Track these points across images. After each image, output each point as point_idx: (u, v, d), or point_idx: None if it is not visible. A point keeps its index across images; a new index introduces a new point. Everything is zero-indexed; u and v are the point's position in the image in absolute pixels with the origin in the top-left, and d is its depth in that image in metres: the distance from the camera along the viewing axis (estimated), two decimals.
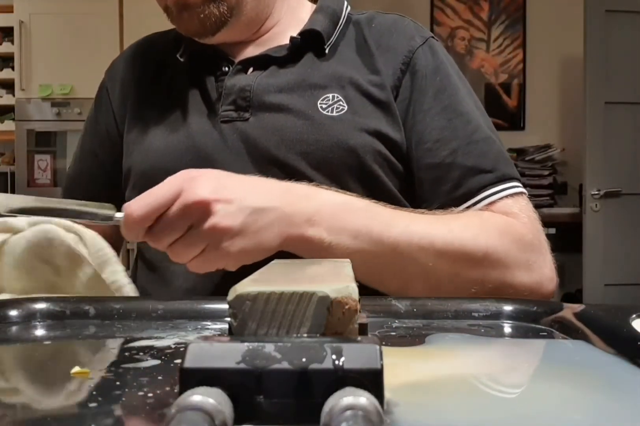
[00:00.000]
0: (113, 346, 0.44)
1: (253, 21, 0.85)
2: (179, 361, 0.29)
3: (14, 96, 3.75)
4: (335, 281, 0.31)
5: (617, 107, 3.24)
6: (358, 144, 0.77)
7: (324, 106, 0.79)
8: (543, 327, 0.49)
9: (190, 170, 0.63)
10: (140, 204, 0.58)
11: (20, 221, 0.63)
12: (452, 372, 0.36)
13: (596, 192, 3.24)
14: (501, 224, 0.72)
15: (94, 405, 0.30)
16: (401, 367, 0.36)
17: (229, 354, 0.24)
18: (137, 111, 0.88)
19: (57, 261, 0.63)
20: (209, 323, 0.50)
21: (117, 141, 0.90)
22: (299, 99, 0.80)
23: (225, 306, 0.29)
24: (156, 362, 0.38)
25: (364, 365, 0.24)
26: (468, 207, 0.76)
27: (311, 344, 0.25)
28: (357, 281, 0.33)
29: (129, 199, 0.60)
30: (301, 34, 0.83)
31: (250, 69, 0.84)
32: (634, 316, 0.42)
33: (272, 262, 0.45)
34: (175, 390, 0.30)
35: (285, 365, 0.24)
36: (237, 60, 0.85)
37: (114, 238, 0.78)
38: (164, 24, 0.85)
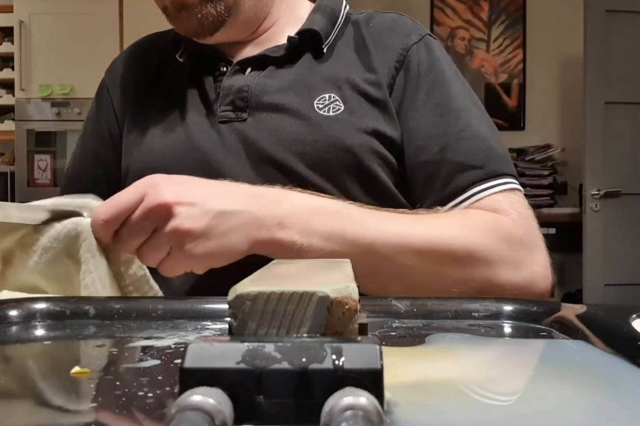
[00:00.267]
0: (113, 346, 0.44)
1: (251, 21, 0.85)
2: (179, 361, 0.29)
3: (14, 96, 3.76)
4: (335, 281, 0.31)
5: (617, 107, 3.24)
6: (355, 144, 0.77)
7: (320, 106, 0.79)
8: (543, 327, 0.49)
9: (157, 175, 0.64)
10: (105, 208, 0.60)
11: (39, 210, 0.62)
12: (452, 372, 0.36)
13: (596, 192, 3.24)
14: (487, 222, 0.71)
15: (94, 405, 0.30)
16: (401, 367, 0.36)
17: (229, 354, 0.24)
18: (137, 111, 0.88)
19: (79, 256, 0.63)
20: (209, 323, 0.50)
21: (119, 140, 0.90)
22: (296, 99, 0.80)
23: (225, 306, 0.29)
24: (156, 362, 0.38)
25: (364, 365, 0.24)
26: (458, 204, 0.75)
27: (311, 344, 0.25)
28: None
29: None
30: (299, 33, 0.83)
31: (248, 70, 0.84)
32: (634, 316, 0.42)
33: (272, 262, 0.45)
34: (175, 390, 0.31)
35: (285, 365, 0.24)
36: (235, 60, 0.85)
37: None
38: (164, 24, 0.85)
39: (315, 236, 0.65)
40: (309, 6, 0.90)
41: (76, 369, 0.35)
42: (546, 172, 3.50)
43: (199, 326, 0.49)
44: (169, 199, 0.60)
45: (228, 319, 0.28)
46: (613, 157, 3.25)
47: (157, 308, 0.52)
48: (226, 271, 0.63)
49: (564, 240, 3.36)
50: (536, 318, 0.50)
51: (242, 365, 0.24)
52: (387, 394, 0.25)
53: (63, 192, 0.95)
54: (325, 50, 0.84)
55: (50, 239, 0.61)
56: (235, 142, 0.79)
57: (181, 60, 0.86)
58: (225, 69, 0.84)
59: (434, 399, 0.31)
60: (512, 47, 3.87)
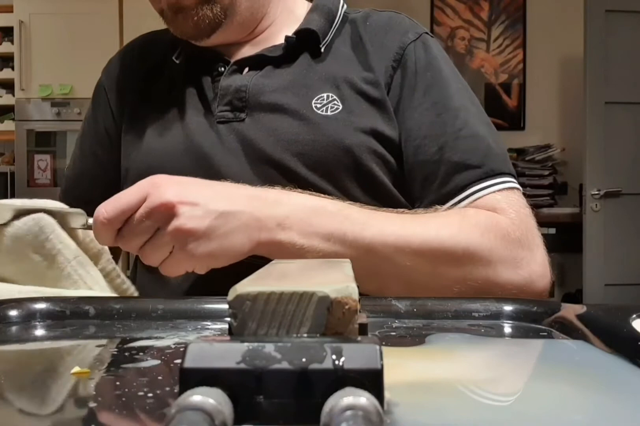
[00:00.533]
0: (113, 346, 0.44)
1: (248, 21, 0.85)
2: (179, 361, 0.29)
3: (13, 96, 3.76)
4: (335, 281, 0.31)
5: (617, 107, 3.24)
6: (353, 144, 0.77)
7: (318, 106, 0.79)
8: (543, 327, 0.49)
9: (159, 175, 0.64)
10: (107, 207, 0.60)
11: (5, 210, 0.63)
12: (452, 372, 0.36)
13: (596, 192, 3.24)
14: (485, 221, 0.71)
15: (94, 405, 0.30)
16: (401, 367, 0.36)
17: (229, 354, 0.24)
18: (135, 112, 0.88)
19: (46, 251, 0.63)
20: (209, 323, 0.50)
21: (117, 140, 0.90)
22: (294, 99, 0.80)
23: (225, 306, 0.29)
24: (156, 362, 0.38)
25: (364, 365, 0.24)
26: (456, 203, 0.75)
27: (311, 344, 0.25)
28: None
29: None
30: (296, 33, 0.83)
31: (246, 69, 0.84)
32: (634, 316, 0.42)
33: (272, 262, 0.45)
34: (175, 390, 0.31)
35: (285, 365, 0.24)
36: (233, 60, 0.85)
37: None
38: (164, 25, 0.85)
39: (315, 237, 0.65)
40: (306, 6, 0.90)
41: (76, 369, 0.35)
42: (546, 172, 3.50)
43: (199, 326, 0.49)
44: (172, 199, 0.60)
45: (228, 319, 0.28)
46: (613, 157, 3.25)
47: (157, 308, 0.52)
48: (226, 271, 0.63)
49: (564, 240, 3.36)
50: (536, 318, 0.50)
51: (242, 365, 0.24)
52: (387, 394, 0.25)
53: (64, 193, 0.95)
54: (322, 50, 0.83)
55: (12, 237, 0.62)
56: (233, 142, 0.79)
57: (178, 62, 0.86)
58: (222, 69, 0.84)
59: (433, 399, 0.31)
60: (512, 47, 3.87)
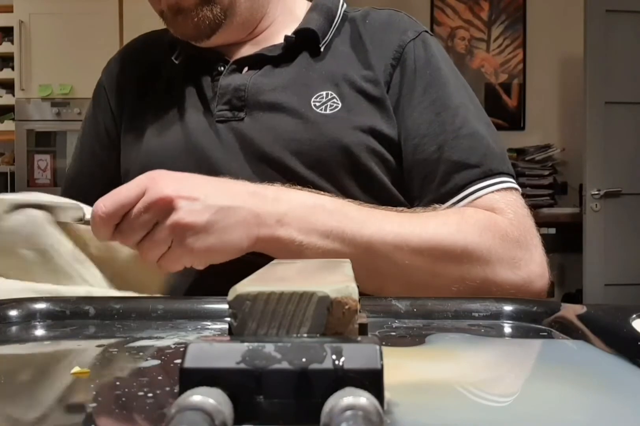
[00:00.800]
0: (113, 346, 0.44)
1: (248, 22, 0.85)
2: (179, 361, 0.29)
3: (13, 96, 3.76)
4: (335, 281, 0.31)
5: (617, 107, 3.24)
6: (352, 143, 0.77)
7: (317, 104, 0.79)
8: (543, 327, 0.49)
9: (157, 170, 0.64)
10: (106, 202, 0.60)
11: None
12: (452, 372, 0.36)
13: (596, 192, 3.24)
14: (483, 221, 0.71)
15: (94, 405, 0.30)
16: (401, 367, 0.36)
17: (229, 354, 0.24)
18: (134, 111, 0.88)
19: (38, 246, 0.63)
20: (209, 323, 0.50)
21: (116, 139, 0.90)
22: (293, 97, 0.80)
23: (225, 306, 0.29)
24: (156, 362, 0.38)
25: (364, 365, 0.24)
26: (455, 203, 0.75)
27: (311, 344, 0.25)
28: None
29: None
30: (296, 32, 0.83)
31: (245, 69, 0.84)
32: (634, 316, 0.42)
33: (272, 262, 0.45)
34: (175, 390, 0.31)
35: (285, 365, 0.24)
36: (232, 59, 0.85)
37: None
38: (164, 25, 0.85)
39: (314, 234, 0.65)
40: (306, 5, 0.90)
41: (76, 369, 0.35)
42: (546, 172, 3.50)
43: (199, 326, 0.49)
44: (171, 193, 0.60)
45: (228, 319, 0.28)
46: (613, 157, 3.25)
47: (157, 308, 0.52)
48: (226, 271, 0.63)
49: (564, 240, 3.36)
50: (536, 318, 0.50)
51: (242, 365, 0.24)
52: (387, 394, 0.25)
53: (64, 193, 0.95)
54: (322, 49, 0.83)
55: (3, 232, 0.61)
56: (232, 141, 0.80)
57: (177, 62, 0.86)
58: (222, 68, 0.84)
59: (434, 399, 0.31)
60: (512, 47, 3.87)
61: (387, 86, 0.80)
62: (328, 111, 0.78)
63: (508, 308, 0.51)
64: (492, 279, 0.68)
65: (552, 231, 3.27)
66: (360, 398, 0.22)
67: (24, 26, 3.69)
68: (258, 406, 0.24)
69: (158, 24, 0.86)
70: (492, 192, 0.74)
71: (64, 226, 0.65)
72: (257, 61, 0.83)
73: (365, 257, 0.66)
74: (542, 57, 3.83)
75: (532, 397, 0.32)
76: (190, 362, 0.24)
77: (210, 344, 0.25)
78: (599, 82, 3.23)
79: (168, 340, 0.44)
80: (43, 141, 3.73)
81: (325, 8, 0.86)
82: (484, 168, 0.76)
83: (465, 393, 0.33)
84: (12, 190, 3.78)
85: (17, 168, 3.76)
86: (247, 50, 0.86)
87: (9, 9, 3.73)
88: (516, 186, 0.77)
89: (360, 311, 0.30)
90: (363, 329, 0.30)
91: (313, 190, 0.70)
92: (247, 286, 0.28)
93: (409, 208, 0.74)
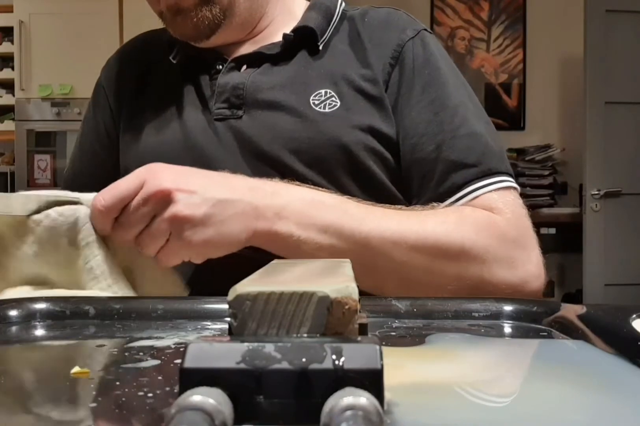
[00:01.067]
0: (113, 346, 0.44)
1: (247, 22, 0.85)
2: (179, 361, 0.29)
3: (13, 96, 3.76)
4: (335, 281, 0.31)
5: (617, 107, 3.24)
6: (351, 141, 0.77)
7: (316, 102, 0.79)
8: (543, 327, 0.49)
9: (156, 163, 0.64)
10: (105, 195, 0.60)
11: (30, 201, 0.62)
12: (452, 372, 0.36)
13: (596, 192, 3.24)
14: (481, 220, 0.71)
15: (94, 405, 0.30)
16: (401, 367, 0.36)
17: (229, 354, 0.24)
18: (133, 110, 0.88)
19: (78, 242, 0.62)
20: (209, 323, 0.50)
21: (115, 138, 0.90)
22: (292, 96, 0.80)
23: (225, 306, 0.29)
24: (156, 362, 0.38)
25: (364, 365, 0.24)
26: (453, 202, 0.75)
27: (311, 344, 0.25)
28: None
29: None
30: (294, 31, 0.83)
31: (244, 67, 0.84)
32: (634, 316, 0.42)
33: (272, 262, 0.45)
34: (175, 390, 0.30)
35: (285, 365, 0.24)
36: (230, 58, 0.85)
37: None
38: (163, 25, 0.85)
39: (313, 229, 0.65)
40: (305, 5, 0.90)
41: (76, 369, 0.35)
42: (546, 172, 3.50)
43: (199, 326, 0.49)
44: (169, 186, 0.60)
45: (228, 319, 0.28)
46: (613, 157, 3.25)
47: (157, 308, 0.52)
48: (226, 271, 0.63)
49: (564, 240, 3.36)
50: (536, 318, 0.50)
51: (242, 365, 0.24)
52: (387, 394, 0.25)
53: None
54: (321, 47, 0.83)
55: (47, 227, 0.61)
56: (231, 139, 0.80)
57: (175, 61, 0.86)
58: (220, 66, 0.84)
59: (434, 399, 0.31)
60: (512, 47, 3.87)
61: (385, 85, 0.80)
62: (327, 110, 0.78)
63: (508, 308, 0.51)
64: (488, 279, 0.68)
65: (552, 231, 3.27)
66: (360, 398, 0.22)
67: (24, 26, 3.69)
68: (258, 406, 0.24)
69: (158, 24, 0.86)
70: (490, 191, 0.74)
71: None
72: (255, 59, 0.84)
73: (363, 253, 0.66)
74: (542, 57, 3.83)
75: (532, 397, 0.32)
76: (190, 362, 0.24)
77: (210, 344, 0.25)
78: (599, 82, 3.23)
79: (168, 340, 0.44)
80: (43, 141, 3.74)
81: (323, 6, 0.86)
82: (482, 167, 0.75)
83: (465, 393, 0.33)
84: (12, 190, 3.78)
85: (17, 168, 3.76)
86: (245, 49, 0.86)
87: (9, 9, 3.73)
88: (515, 185, 0.77)
89: (360, 311, 0.30)
90: (363, 329, 0.30)
91: (312, 186, 0.70)
92: (247, 286, 0.28)
93: (407, 206, 0.75)
